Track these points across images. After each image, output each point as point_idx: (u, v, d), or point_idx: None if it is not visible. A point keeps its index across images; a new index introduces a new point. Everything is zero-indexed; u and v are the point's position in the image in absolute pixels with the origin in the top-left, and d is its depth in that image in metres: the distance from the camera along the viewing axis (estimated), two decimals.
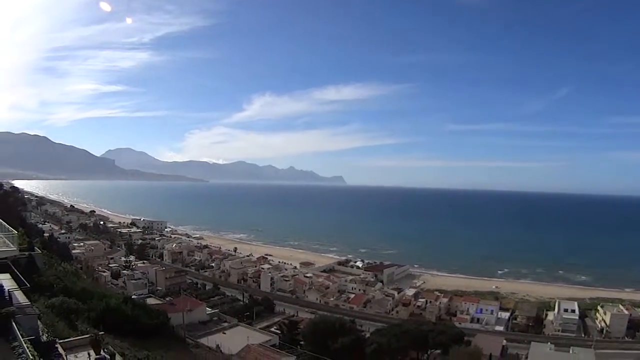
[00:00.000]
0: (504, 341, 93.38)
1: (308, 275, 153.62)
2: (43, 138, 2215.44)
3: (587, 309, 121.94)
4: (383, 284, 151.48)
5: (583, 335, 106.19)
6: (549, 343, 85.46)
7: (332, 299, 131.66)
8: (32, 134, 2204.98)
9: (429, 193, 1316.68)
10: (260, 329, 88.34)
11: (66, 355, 20.28)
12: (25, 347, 17.65)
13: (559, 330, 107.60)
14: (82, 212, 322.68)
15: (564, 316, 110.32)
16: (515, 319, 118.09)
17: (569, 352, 78.78)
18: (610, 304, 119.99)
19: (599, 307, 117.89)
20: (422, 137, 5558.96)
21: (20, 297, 24.58)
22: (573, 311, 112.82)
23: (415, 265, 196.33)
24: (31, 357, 16.99)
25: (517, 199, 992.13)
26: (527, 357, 79.02)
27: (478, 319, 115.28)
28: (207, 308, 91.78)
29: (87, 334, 24.41)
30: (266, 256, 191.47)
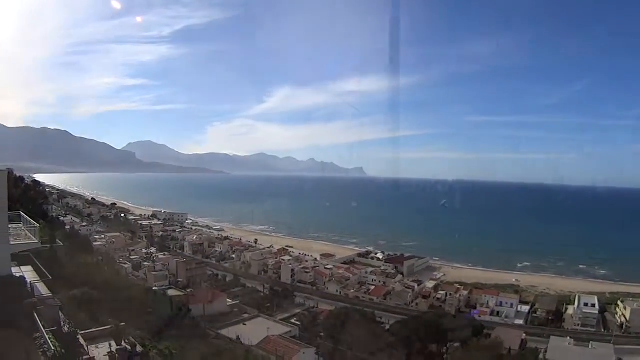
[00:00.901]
0: (524, 335, 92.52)
1: (328, 266, 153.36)
2: (64, 132, 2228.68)
3: (607, 304, 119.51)
4: (403, 276, 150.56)
5: (603, 330, 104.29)
6: (568, 338, 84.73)
7: (352, 290, 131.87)
8: (52, 128, 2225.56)
9: (450, 185, 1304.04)
10: (280, 320, 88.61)
11: (87, 346, 20.66)
12: (47, 338, 18.06)
13: (578, 325, 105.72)
14: (103, 204, 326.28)
15: (583, 310, 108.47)
16: (535, 312, 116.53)
17: (588, 346, 78.01)
18: (631, 299, 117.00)
19: (619, 302, 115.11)
20: (443, 129, 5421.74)
21: (42, 289, 25.15)
22: (593, 305, 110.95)
23: (436, 258, 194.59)
24: (53, 348, 17.38)
25: (537, 191, 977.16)
26: (546, 352, 78.37)
27: (498, 312, 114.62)
28: (228, 299, 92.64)
29: (108, 325, 24.86)
30: (287, 248, 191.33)
